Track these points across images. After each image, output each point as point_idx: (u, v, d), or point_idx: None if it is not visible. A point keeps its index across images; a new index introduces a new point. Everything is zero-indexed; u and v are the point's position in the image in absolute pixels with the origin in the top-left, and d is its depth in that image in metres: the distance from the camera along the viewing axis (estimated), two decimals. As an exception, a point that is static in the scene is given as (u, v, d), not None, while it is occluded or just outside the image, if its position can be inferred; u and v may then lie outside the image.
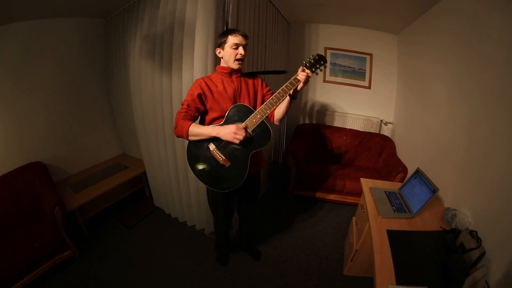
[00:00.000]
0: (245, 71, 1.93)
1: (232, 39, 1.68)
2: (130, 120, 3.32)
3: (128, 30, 2.82)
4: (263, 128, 1.69)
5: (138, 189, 3.47)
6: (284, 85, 1.63)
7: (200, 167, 1.77)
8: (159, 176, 2.96)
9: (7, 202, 2.40)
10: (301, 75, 1.61)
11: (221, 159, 1.69)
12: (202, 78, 1.77)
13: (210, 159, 1.73)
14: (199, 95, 1.71)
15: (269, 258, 2.64)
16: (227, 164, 1.71)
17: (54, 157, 2.99)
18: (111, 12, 3.11)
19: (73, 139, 3.20)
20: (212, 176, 1.77)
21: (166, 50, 2.34)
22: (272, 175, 4.17)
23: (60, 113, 3.01)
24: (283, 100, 1.65)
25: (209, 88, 1.74)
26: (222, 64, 1.81)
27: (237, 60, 1.72)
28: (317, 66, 1.66)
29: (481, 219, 1.70)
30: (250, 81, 1.88)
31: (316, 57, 1.65)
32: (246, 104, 1.77)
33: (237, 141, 1.60)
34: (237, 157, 1.71)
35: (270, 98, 1.65)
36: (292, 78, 1.63)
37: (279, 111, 1.78)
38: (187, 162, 1.81)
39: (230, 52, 1.70)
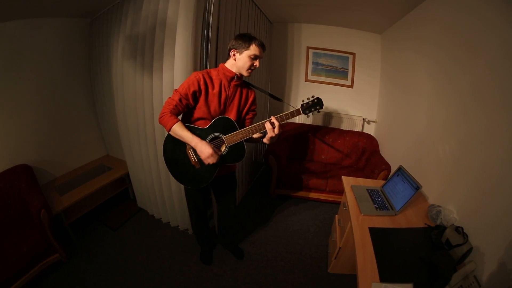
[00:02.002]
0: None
1: (254, 50, 1.57)
2: (113, 121, 3.16)
3: (112, 31, 2.68)
4: (240, 147, 1.67)
5: (122, 190, 3.31)
6: (269, 118, 1.57)
7: (172, 156, 1.74)
8: (142, 177, 2.81)
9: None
10: (267, 124, 1.55)
11: (193, 160, 1.67)
12: (202, 74, 1.62)
13: (184, 153, 1.69)
14: (194, 93, 1.59)
15: (253, 258, 2.52)
16: (197, 166, 1.69)
17: (40, 160, 2.82)
18: (95, 12, 2.96)
19: (58, 141, 3.03)
20: (180, 169, 1.75)
21: (148, 51, 2.22)
22: (254, 175, 4.05)
23: (44, 115, 2.83)
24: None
25: (206, 87, 1.62)
26: (229, 65, 1.65)
27: (250, 69, 1.63)
28: (312, 109, 1.60)
29: (467, 215, 1.63)
30: (244, 92, 1.77)
31: (315, 100, 1.59)
32: (233, 113, 1.73)
33: (206, 163, 1.60)
34: (207, 164, 1.67)
35: (256, 124, 1.58)
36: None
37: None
38: (162, 144, 1.76)
39: (247, 60, 1.58)
